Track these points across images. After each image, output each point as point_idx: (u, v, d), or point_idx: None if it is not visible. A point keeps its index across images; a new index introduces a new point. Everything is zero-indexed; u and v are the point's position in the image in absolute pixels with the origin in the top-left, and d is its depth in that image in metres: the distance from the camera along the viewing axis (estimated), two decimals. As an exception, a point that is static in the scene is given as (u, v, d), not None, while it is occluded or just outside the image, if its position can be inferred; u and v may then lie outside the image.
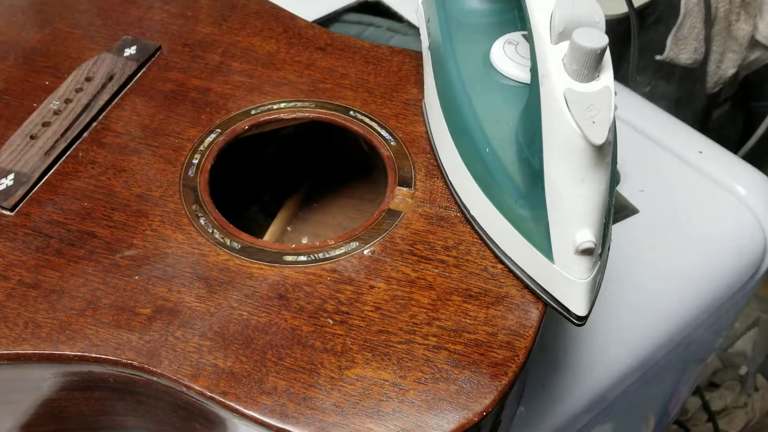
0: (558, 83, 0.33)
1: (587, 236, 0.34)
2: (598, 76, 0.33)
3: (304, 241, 0.54)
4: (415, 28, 0.74)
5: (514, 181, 0.36)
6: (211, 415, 0.35)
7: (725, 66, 0.91)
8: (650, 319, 0.54)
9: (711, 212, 0.59)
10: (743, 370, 1.19)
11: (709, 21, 0.83)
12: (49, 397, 0.37)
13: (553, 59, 0.33)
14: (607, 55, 0.33)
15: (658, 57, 0.82)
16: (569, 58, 0.33)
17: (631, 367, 0.53)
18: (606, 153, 0.33)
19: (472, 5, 0.44)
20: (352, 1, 0.77)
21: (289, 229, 0.55)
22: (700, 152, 0.63)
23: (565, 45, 0.34)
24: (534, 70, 0.35)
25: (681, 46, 0.81)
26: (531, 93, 0.35)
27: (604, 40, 0.32)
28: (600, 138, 0.32)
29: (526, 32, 0.42)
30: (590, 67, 0.33)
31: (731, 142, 0.98)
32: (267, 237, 0.52)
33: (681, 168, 0.62)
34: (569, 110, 0.32)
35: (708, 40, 0.85)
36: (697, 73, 0.89)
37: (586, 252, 0.34)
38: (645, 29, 0.82)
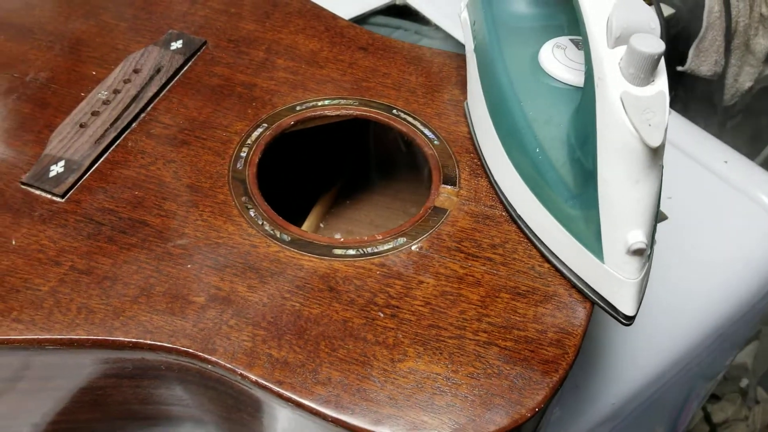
0: (614, 86, 0.33)
1: (639, 237, 0.34)
2: (654, 81, 0.34)
3: (338, 236, 0.54)
4: (442, 32, 0.75)
5: (565, 182, 0.37)
6: (261, 405, 0.35)
7: (742, 79, 0.92)
8: (676, 327, 0.55)
9: (736, 221, 0.60)
10: (744, 383, 1.19)
11: (729, 35, 0.84)
12: (96, 383, 0.38)
13: (610, 63, 0.34)
14: (662, 60, 0.34)
15: (679, 68, 0.83)
16: (626, 62, 0.33)
17: (657, 374, 0.53)
18: (660, 155, 0.34)
19: (519, 10, 0.44)
20: (379, 4, 0.77)
21: (322, 225, 0.55)
22: (726, 162, 0.63)
23: (621, 49, 0.34)
24: (588, 73, 0.35)
25: (702, 58, 0.82)
26: (584, 95, 0.36)
27: (661, 46, 0.33)
28: (656, 140, 0.32)
29: (573, 37, 0.42)
30: (647, 72, 0.33)
31: (743, 153, 0.99)
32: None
33: (707, 177, 0.62)
34: (626, 113, 0.33)
35: (727, 54, 0.86)
36: (715, 84, 0.90)
37: (638, 252, 0.34)
38: (668, 40, 0.83)
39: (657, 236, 0.57)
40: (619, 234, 0.34)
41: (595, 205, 0.35)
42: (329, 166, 0.56)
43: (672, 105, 0.78)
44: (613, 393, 0.49)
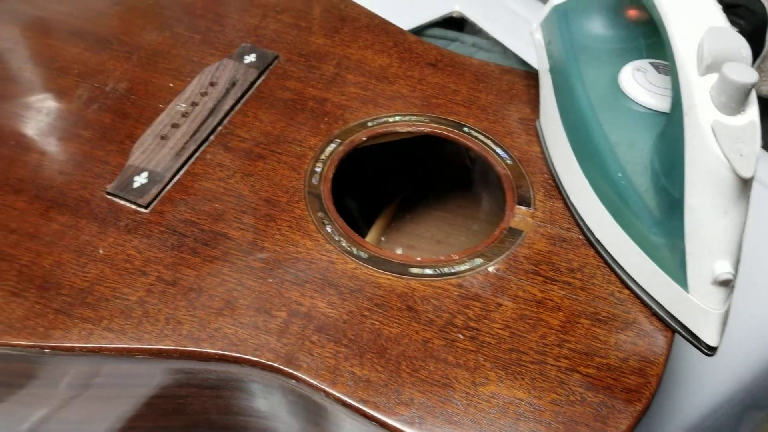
0: (705, 115, 0.33)
1: (726, 267, 0.34)
2: (744, 110, 0.34)
3: (399, 252, 0.55)
4: (500, 45, 0.75)
5: (649, 208, 0.37)
6: (340, 421, 0.35)
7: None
8: (743, 356, 0.54)
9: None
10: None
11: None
12: (177, 392, 0.38)
13: (701, 91, 0.34)
14: (753, 90, 0.34)
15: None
16: (718, 91, 0.33)
17: (719, 402, 0.53)
18: (750, 186, 0.34)
19: (596, 30, 0.44)
20: (436, 16, 0.78)
21: (383, 239, 0.56)
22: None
23: (711, 77, 0.34)
24: (676, 100, 0.35)
25: (764, 78, 0.81)
26: (671, 122, 0.36)
27: (754, 76, 0.33)
28: (748, 171, 0.32)
29: (653, 60, 0.42)
30: (739, 101, 0.33)
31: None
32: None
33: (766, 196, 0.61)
34: (717, 142, 0.33)
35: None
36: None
37: (724, 283, 0.34)
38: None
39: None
40: (705, 264, 0.34)
41: (681, 233, 0.35)
42: (392, 180, 0.56)
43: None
44: (682, 416, 0.49)
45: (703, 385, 0.52)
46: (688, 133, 0.34)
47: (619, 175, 0.38)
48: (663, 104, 0.40)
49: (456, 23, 0.78)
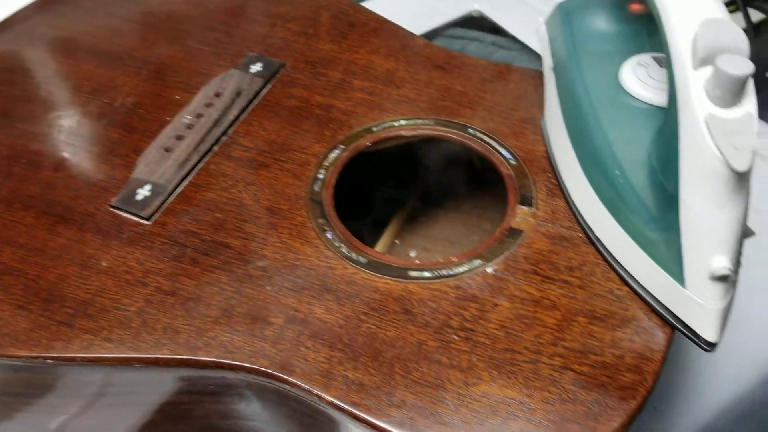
0: (699, 109, 0.32)
1: (723, 262, 0.33)
2: (741, 103, 0.33)
3: (413, 254, 0.55)
4: (519, 43, 0.74)
5: (646, 204, 0.36)
6: (337, 424, 0.35)
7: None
8: (760, 349, 0.53)
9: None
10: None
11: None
12: (179, 398, 0.39)
13: (695, 84, 0.33)
14: (750, 81, 0.33)
15: (769, 75, 0.80)
16: (712, 84, 0.32)
17: (737, 397, 0.51)
18: (746, 179, 0.33)
19: (600, 27, 0.44)
20: (456, 16, 0.77)
21: (397, 242, 0.56)
22: (819, 175, 0.61)
23: (706, 70, 0.33)
24: (672, 94, 0.34)
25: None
26: (668, 117, 0.35)
27: (749, 67, 0.32)
28: (743, 165, 0.31)
29: (656, 54, 0.41)
30: (733, 94, 0.32)
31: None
32: (378, 249, 0.53)
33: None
34: (711, 136, 0.32)
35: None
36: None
37: (722, 279, 0.33)
38: (755, 45, 0.80)
39: (744, 252, 0.55)
40: (701, 259, 0.34)
41: (677, 228, 0.34)
42: (404, 183, 0.56)
43: (762, 116, 0.75)
44: (693, 417, 0.48)
45: (721, 384, 0.51)
46: (683, 127, 0.33)
47: (617, 172, 0.37)
48: (662, 99, 0.39)
49: (476, 22, 0.78)
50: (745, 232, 0.57)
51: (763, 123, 0.66)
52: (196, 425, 0.41)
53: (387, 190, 0.56)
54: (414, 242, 0.56)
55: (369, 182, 0.54)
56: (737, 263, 0.35)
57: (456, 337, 0.36)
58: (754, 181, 0.60)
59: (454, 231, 0.57)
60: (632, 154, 0.37)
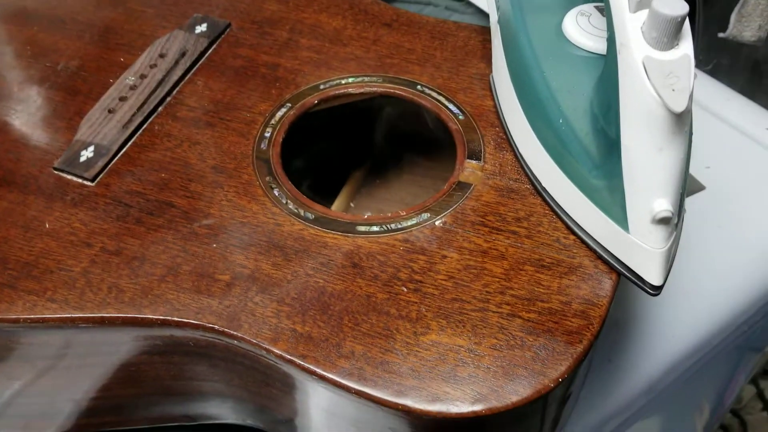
0: (637, 51, 0.33)
1: (664, 205, 0.33)
2: (678, 44, 0.33)
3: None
4: (473, 7, 0.74)
5: (589, 152, 0.36)
6: (289, 379, 0.35)
7: (789, 45, 0.89)
8: (715, 298, 0.54)
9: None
10: (800, 358, 1.16)
11: (773, -2, 0.81)
12: (129, 360, 0.38)
13: (632, 27, 0.33)
14: (686, 23, 0.33)
15: (720, 35, 0.81)
16: (648, 26, 0.33)
17: (695, 346, 0.52)
18: (685, 121, 0.33)
19: (543, -22, 0.44)
20: (410, -20, 0.77)
21: (352, 204, 0.55)
22: (767, 129, 0.62)
23: (643, 13, 0.33)
24: (611, 40, 0.35)
25: (745, 24, 0.79)
26: (607, 63, 0.35)
27: (684, 7, 0.32)
28: (680, 106, 0.32)
29: (598, 3, 0.41)
30: (670, 35, 0.32)
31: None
32: (332, 211, 0.52)
33: (747, 144, 0.60)
34: (648, 78, 0.32)
35: (772, 18, 0.83)
36: (760, 51, 0.87)
37: (663, 221, 0.34)
38: (709, 5, 0.81)
39: (695, 206, 0.56)
40: (643, 203, 0.34)
41: (620, 174, 0.34)
42: (358, 146, 0.56)
43: (714, 73, 0.76)
44: (647, 366, 0.49)
45: (688, 330, 0.52)
46: (621, 71, 0.34)
47: (560, 121, 0.37)
48: (604, 47, 0.39)
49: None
50: (696, 187, 0.59)
51: (715, 80, 0.67)
52: (149, 387, 0.41)
53: (340, 152, 0.55)
54: (369, 205, 0.56)
55: (322, 145, 0.54)
56: (680, 207, 0.35)
57: (405, 289, 0.36)
58: (703, 136, 0.61)
59: (410, 192, 0.57)
60: (575, 103, 0.38)
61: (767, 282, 0.55)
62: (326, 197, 0.54)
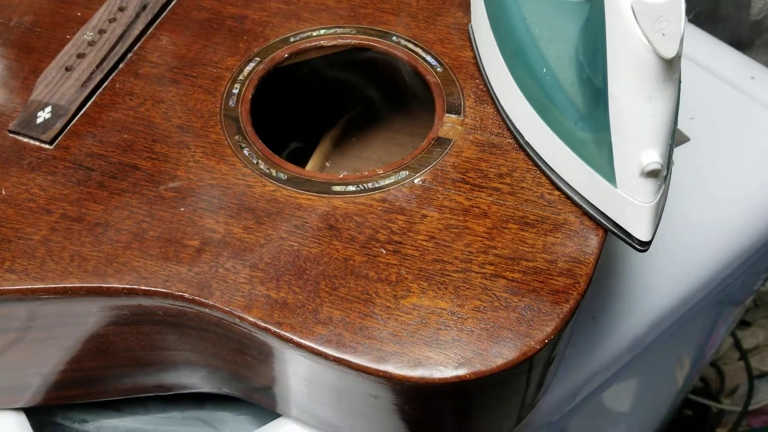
0: (624, -6, 0.31)
1: (654, 157, 0.32)
2: (667, -13, 0.31)
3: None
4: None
5: (574, 103, 0.35)
6: (265, 347, 0.34)
7: (770, -8, 0.87)
8: (699, 252, 0.53)
9: (763, 140, 0.57)
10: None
11: (755, -56, 0.80)
12: (97, 332, 0.37)
13: (619, -31, 0.31)
14: (676, -37, 0.31)
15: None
16: (636, -33, 0.31)
17: (680, 301, 0.51)
18: (675, 68, 0.32)
19: None
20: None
21: (328, 164, 0.54)
22: (752, 78, 0.60)
23: (631, -46, 0.31)
24: (596, -17, 0.33)
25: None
26: (593, 7, 0.33)
27: (674, -54, 0.30)
28: (671, 51, 0.30)
29: (581, -54, 0.39)
30: (659, -23, 0.31)
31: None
32: (307, 171, 0.50)
33: (732, 94, 0.59)
34: (637, 22, 0.30)
35: (754, -35, 0.82)
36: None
37: (652, 174, 0.32)
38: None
39: (679, 159, 0.55)
40: (631, 155, 0.32)
41: (607, 125, 0.33)
42: (332, 102, 0.54)
43: (697, 22, 0.74)
44: (631, 322, 0.48)
45: (672, 285, 0.51)
46: (609, 16, 0.32)
47: (544, 71, 0.36)
48: (589, -9, 0.37)
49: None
50: (681, 138, 0.57)
51: (698, 29, 0.65)
52: (119, 358, 0.39)
53: (314, 108, 0.53)
54: (346, 164, 0.54)
55: (295, 101, 0.52)
56: (668, 159, 0.34)
57: (384, 251, 0.34)
58: (687, 86, 0.59)
59: (387, 151, 0.55)
60: (559, 51, 0.36)
61: (751, 235, 0.54)
62: (300, 157, 0.52)
